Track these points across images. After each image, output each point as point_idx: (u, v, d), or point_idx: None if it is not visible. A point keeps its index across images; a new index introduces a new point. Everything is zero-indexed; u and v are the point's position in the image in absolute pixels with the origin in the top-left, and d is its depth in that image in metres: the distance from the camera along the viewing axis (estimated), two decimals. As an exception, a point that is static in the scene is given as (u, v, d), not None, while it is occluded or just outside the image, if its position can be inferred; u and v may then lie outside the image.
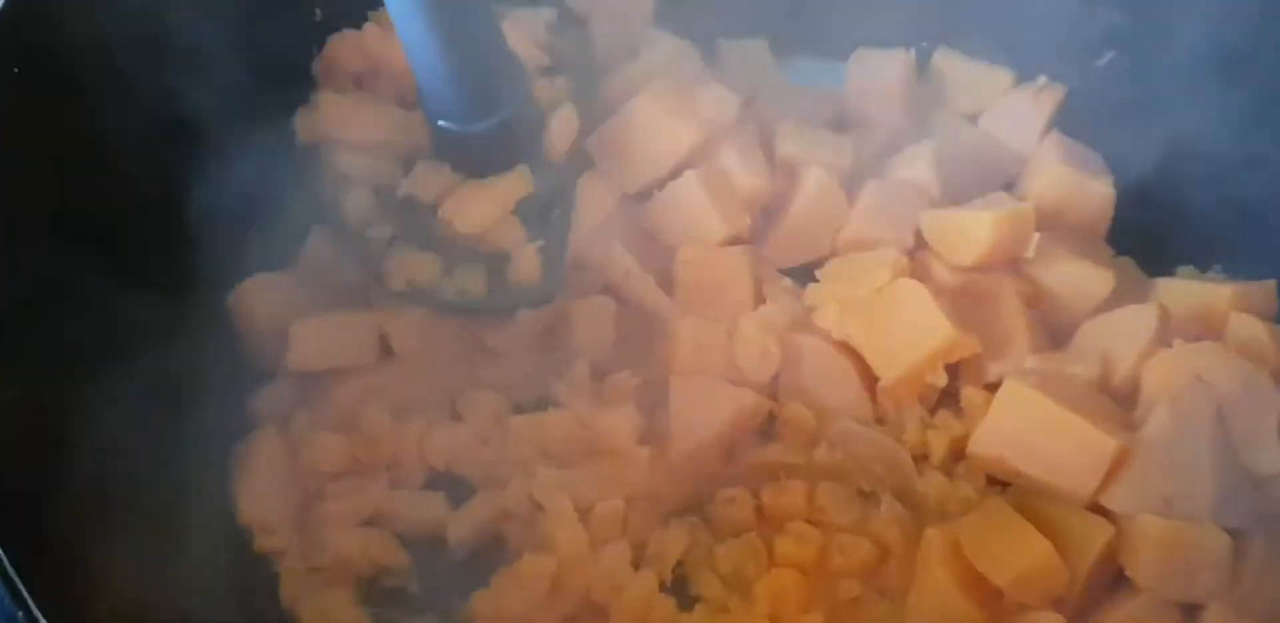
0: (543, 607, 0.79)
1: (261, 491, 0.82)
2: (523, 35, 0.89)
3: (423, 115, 0.83)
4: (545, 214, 0.87)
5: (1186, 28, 0.88)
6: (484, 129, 0.82)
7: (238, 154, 0.81)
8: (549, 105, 0.87)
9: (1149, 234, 0.93)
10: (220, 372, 0.86)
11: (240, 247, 0.86)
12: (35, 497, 0.65)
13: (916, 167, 0.92)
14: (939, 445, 0.84)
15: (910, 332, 0.82)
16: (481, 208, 0.85)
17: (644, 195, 0.90)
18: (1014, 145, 0.95)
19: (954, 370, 0.85)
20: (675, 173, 0.88)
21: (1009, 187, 0.95)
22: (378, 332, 0.86)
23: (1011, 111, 0.96)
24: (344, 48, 0.90)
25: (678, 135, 0.88)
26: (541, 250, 0.85)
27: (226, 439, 0.85)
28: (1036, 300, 0.88)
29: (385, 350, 0.87)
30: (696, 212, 0.88)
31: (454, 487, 0.86)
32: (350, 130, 0.86)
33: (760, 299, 0.88)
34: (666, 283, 0.88)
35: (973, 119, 0.98)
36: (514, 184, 0.85)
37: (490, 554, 0.84)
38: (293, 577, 0.81)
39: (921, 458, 0.85)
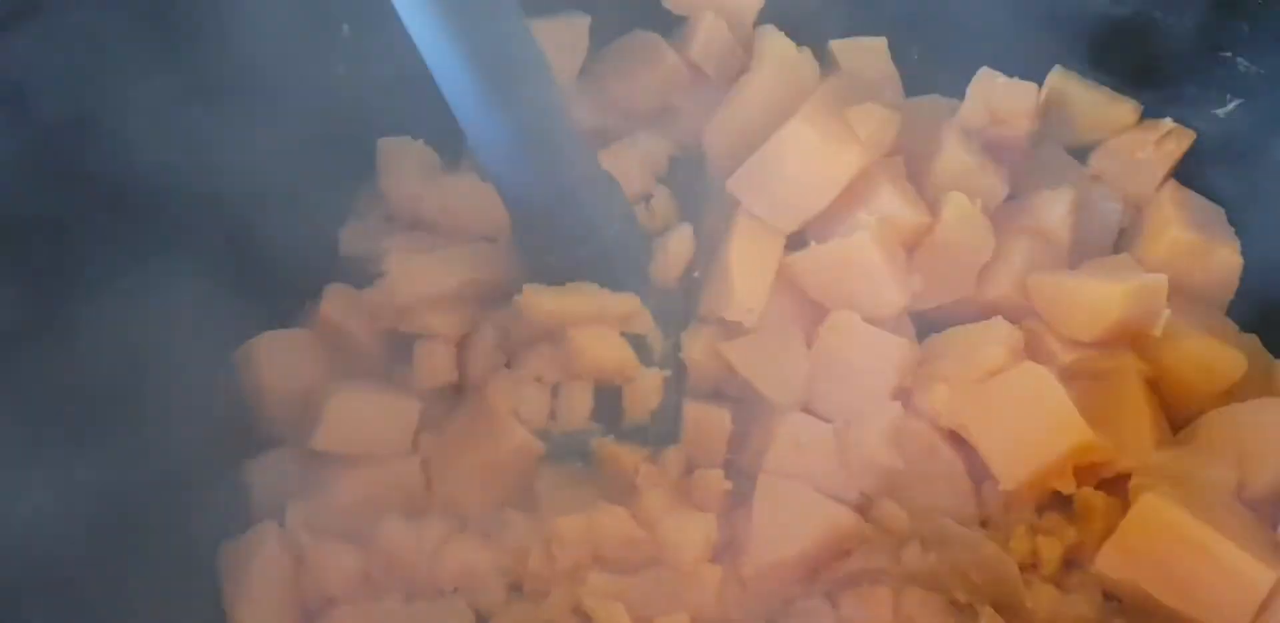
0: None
1: (260, 603, 0.72)
2: (632, 162, 0.82)
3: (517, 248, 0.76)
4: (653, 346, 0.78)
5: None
6: (583, 256, 0.74)
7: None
8: (659, 228, 0.79)
9: (1273, 308, 0.84)
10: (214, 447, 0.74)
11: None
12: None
13: (1052, 216, 0.82)
14: (1050, 554, 0.75)
15: (1037, 428, 0.72)
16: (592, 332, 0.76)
17: (795, 239, 0.80)
18: (1129, 192, 0.86)
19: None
20: (832, 209, 0.79)
21: (1118, 241, 0.86)
22: (417, 418, 0.74)
23: (1129, 153, 0.86)
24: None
25: (838, 164, 0.78)
26: (666, 382, 0.76)
27: (216, 531, 0.74)
28: (1158, 384, 0.79)
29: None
30: (868, 276, 0.77)
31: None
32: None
33: (898, 395, 0.77)
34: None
35: (1080, 154, 0.88)
36: (623, 304, 0.76)
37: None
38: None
39: (1029, 567, 0.76)
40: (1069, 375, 0.77)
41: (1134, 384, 0.78)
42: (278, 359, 0.76)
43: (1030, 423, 0.73)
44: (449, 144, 0.85)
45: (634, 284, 0.77)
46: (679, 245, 0.79)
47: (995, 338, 0.77)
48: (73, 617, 0.62)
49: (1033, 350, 0.78)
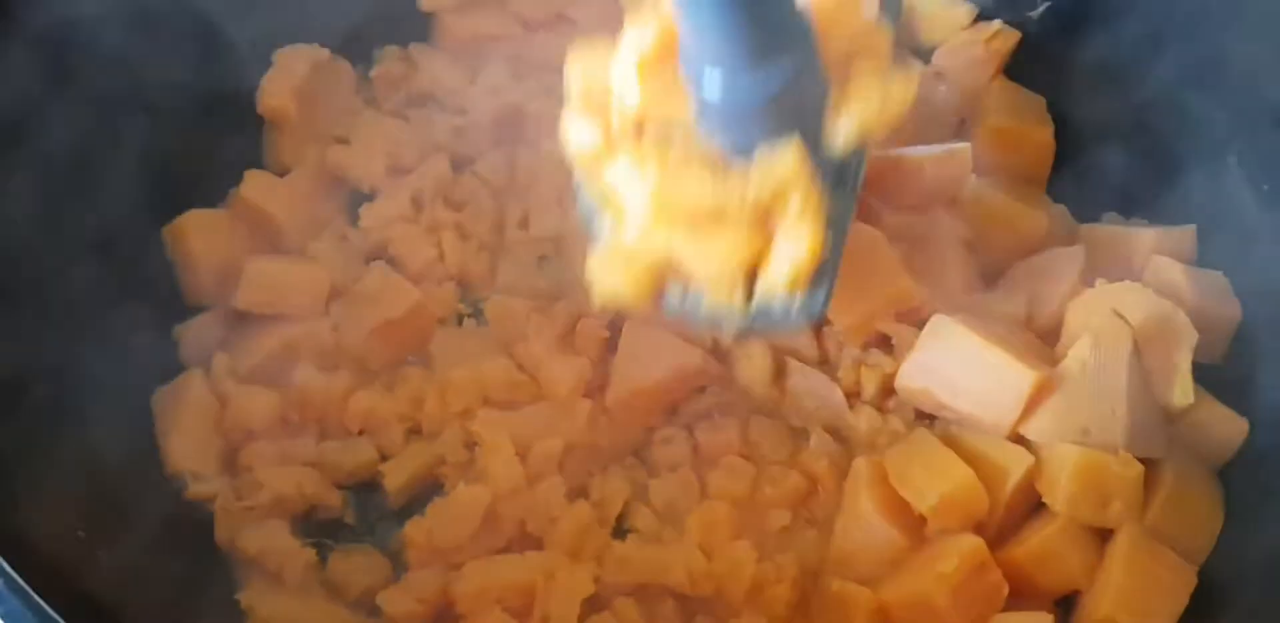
0: (476, 536, 0.83)
1: (190, 440, 0.86)
2: None
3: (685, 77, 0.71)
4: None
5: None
6: (761, 81, 0.68)
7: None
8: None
9: (1082, 183, 0.98)
10: (145, 305, 0.88)
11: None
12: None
13: None
14: (870, 382, 0.90)
15: (867, 278, 0.86)
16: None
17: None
18: (965, 86, 1.00)
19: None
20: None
21: (959, 129, 1.00)
22: (329, 286, 0.89)
23: (965, 52, 1.00)
24: None
25: None
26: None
27: (149, 379, 0.88)
28: (974, 244, 0.94)
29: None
30: None
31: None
32: None
33: None
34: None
35: (925, 55, 1.02)
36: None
37: (427, 492, 0.88)
38: (227, 517, 0.85)
39: (853, 395, 0.90)
40: (895, 236, 0.90)
41: (948, 241, 0.92)
42: (203, 234, 0.90)
43: (861, 273, 0.86)
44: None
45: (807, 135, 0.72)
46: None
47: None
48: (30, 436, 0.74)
49: (866, 216, 0.91)
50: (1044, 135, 0.97)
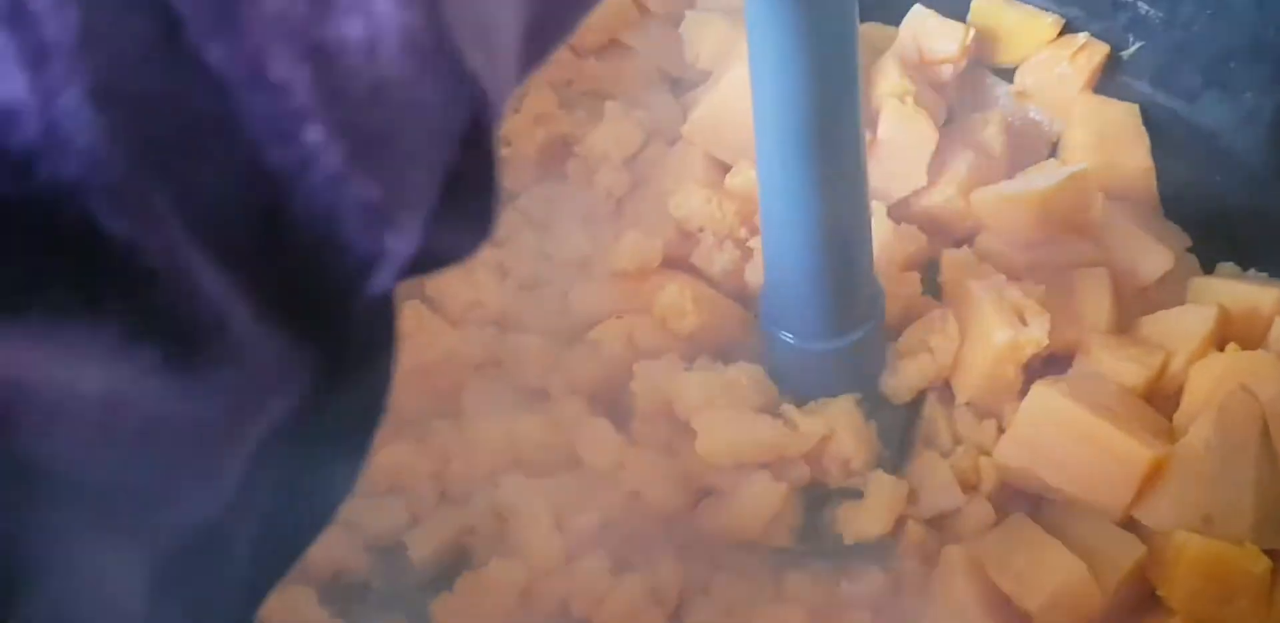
0: (511, 616, 0.77)
1: None
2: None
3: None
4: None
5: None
6: (833, 348, 0.80)
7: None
8: None
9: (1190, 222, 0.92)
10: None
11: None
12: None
13: (986, 133, 0.91)
14: (990, 474, 0.81)
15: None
16: None
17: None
18: (1052, 105, 0.95)
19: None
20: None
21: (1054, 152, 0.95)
22: None
23: (1050, 68, 0.95)
24: None
25: None
26: None
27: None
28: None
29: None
30: None
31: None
32: None
33: None
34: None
35: (1007, 73, 0.97)
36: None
37: (457, 560, 0.81)
38: (249, 581, 0.77)
39: (970, 487, 0.82)
40: (1028, 276, 0.85)
41: (1087, 269, 0.86)
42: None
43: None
44: None
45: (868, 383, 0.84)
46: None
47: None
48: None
49: (992, 260, 0.86)
50: (1139, 158, 0.91)
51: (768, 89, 0.69)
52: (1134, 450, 0.75)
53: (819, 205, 0.73)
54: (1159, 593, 0.75)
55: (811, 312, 0.78)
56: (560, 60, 0.97)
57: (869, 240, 0.78)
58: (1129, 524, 0.76)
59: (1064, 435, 0.76)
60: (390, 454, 0.82)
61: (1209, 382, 0.79)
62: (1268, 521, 0.75)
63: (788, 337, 0.80)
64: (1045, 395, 0.77)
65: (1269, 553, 0.74)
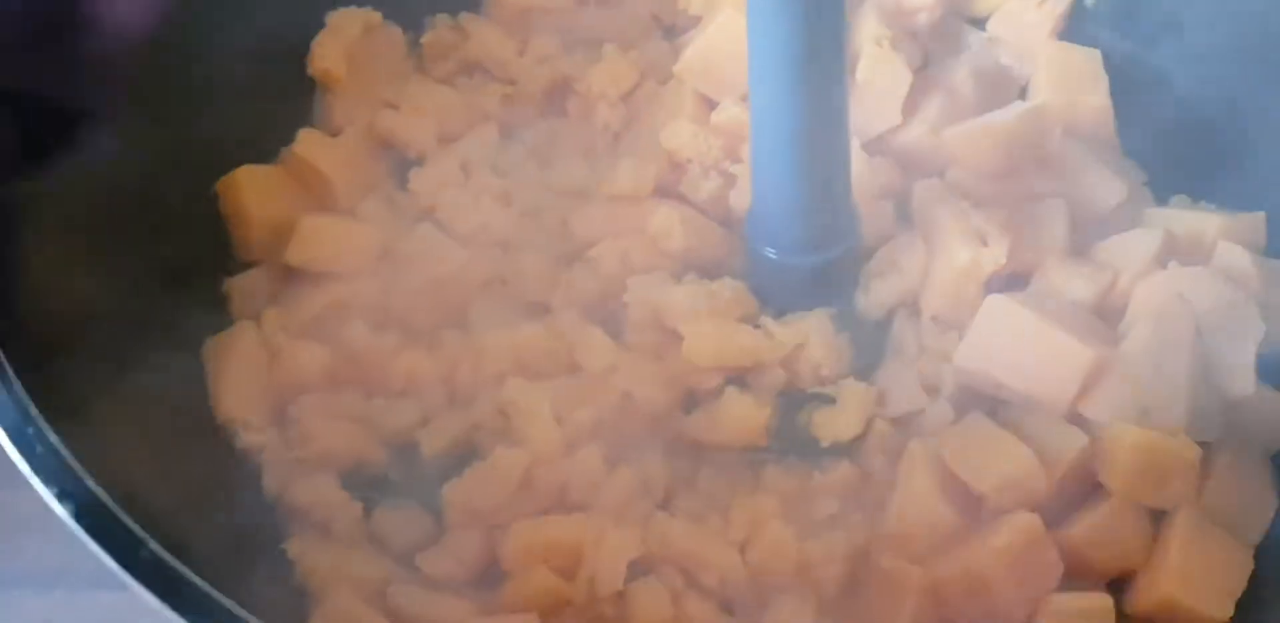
0: (515, 499, 0.85)
1: (240, 391, 0.88)
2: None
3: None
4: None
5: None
6: (814, 262, 0.88)
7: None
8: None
9: (1148, 160, 1.00)
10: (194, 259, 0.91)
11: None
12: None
13: (957, 77, 0.99)
14: (949, 377, 0.89)
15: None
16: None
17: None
18: (1022, 51, 1.02)
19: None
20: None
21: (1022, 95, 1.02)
22: (380, 245, 0.92)
23: (1019, 16, 1.02)
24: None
25: None
26: None
27: (200, 330, 0.90)
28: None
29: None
30: None
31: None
32: None
33: None
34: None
35: (980, 24, 1.05)
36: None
37: (466, 457, 0.89)
38: (276, 468, 0.87)
39: (932, 390, 0.90)
40: (992, 203, 0.93)
41: (1046, 199, 0.93)
42: (256, 189, 0.92)
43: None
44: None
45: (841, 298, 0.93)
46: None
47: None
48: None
49: (960, 191, 0.94)
50: (1099, 97, 0.98)
51: (764, 27, 0.76)
52: (1078, 350, 0.82)
53: (805, 135, 0.81)
54: (1100, 479, 0.82)
55: (795, 228, 0.87)
56: (562, 8, 1.06)
57: (848, 166, 0.86)
58: (1074, 419, 0.84)
59: (1016, 338, 0.84)
60: (404, 360, 0.91)
61: (1150, 294, 0.87)
62: (1198, 416, 0.82)
63: (771, 252, 0.88)
64: (999, 303, 0.86)
65: (1199, 444, 0.81)
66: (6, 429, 0.65)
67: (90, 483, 0.65)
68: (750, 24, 0.76)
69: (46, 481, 0.64)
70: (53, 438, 0.65)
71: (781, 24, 0.75)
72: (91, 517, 0.64)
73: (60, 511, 0.65)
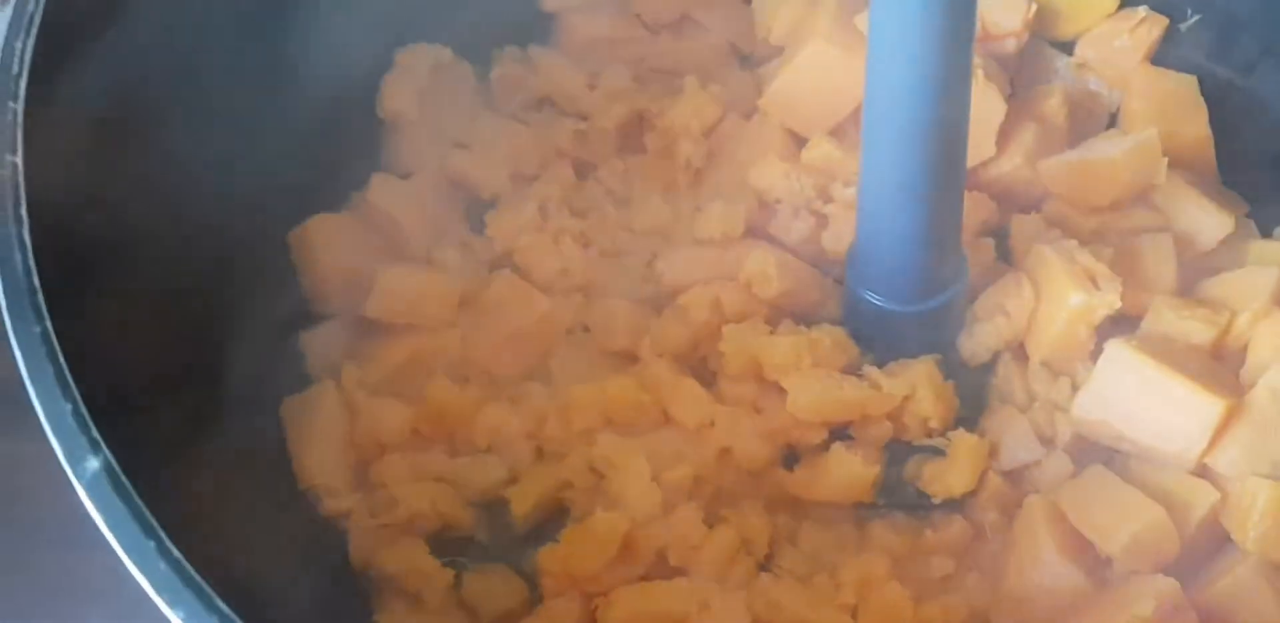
0: (613, 565, 0.82)
1: (322, 454, 0.85)
2: None
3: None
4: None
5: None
6: (919, 310, 0.85)
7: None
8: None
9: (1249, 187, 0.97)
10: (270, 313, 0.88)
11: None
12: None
13: (1049, 105, 0.96)
14: (1065, 427, 0.86)
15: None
16: None
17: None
18: (1112, 77, 0.99)
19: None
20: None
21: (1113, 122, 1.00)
22: (459, 295, 0.89)
23: (1109, 41, 0.99)
24: None
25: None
26: None
27: (276, 388, 0.87)
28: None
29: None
30: None
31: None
32: None
33: None
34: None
35: (1067, 47, 1.02)
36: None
37: (555, 515, 0.87)
38: (362, 534, 0.84)
39: (1047, 441, 0.87)
40: (1095, 240, 0.90)
41: (1153, 237, 0.91)
42: (329, 239, 0.90)
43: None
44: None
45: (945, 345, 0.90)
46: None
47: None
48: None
49: (1060, 225, 0.91)
50: (1198, 127, 0.96)
51: (887, 66, 0.71)
52: (1206, 401, 0.80)
53: (929, 176, 0.77)
54: (1233, 537, 0.80)
55: (904, 275, 0.84)
56: (633, 37, 1.03)
57: (961, 208, 0.83)
58: (1202, 472, 0.82)
59: (1138, 389, 0.82)
60: (488, 415, 0.88)
61: (1273, 337, 0.84)
62: (1335, 466, 0.80)
63: (875, 299, 0.85)
64: (1120, 351, 0.83)
65: (1338, 498, 0.79)
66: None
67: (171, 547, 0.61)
68: (871, 61, 0.72)
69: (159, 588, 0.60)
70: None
71: (912, 57, 0.70)
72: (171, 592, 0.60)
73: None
